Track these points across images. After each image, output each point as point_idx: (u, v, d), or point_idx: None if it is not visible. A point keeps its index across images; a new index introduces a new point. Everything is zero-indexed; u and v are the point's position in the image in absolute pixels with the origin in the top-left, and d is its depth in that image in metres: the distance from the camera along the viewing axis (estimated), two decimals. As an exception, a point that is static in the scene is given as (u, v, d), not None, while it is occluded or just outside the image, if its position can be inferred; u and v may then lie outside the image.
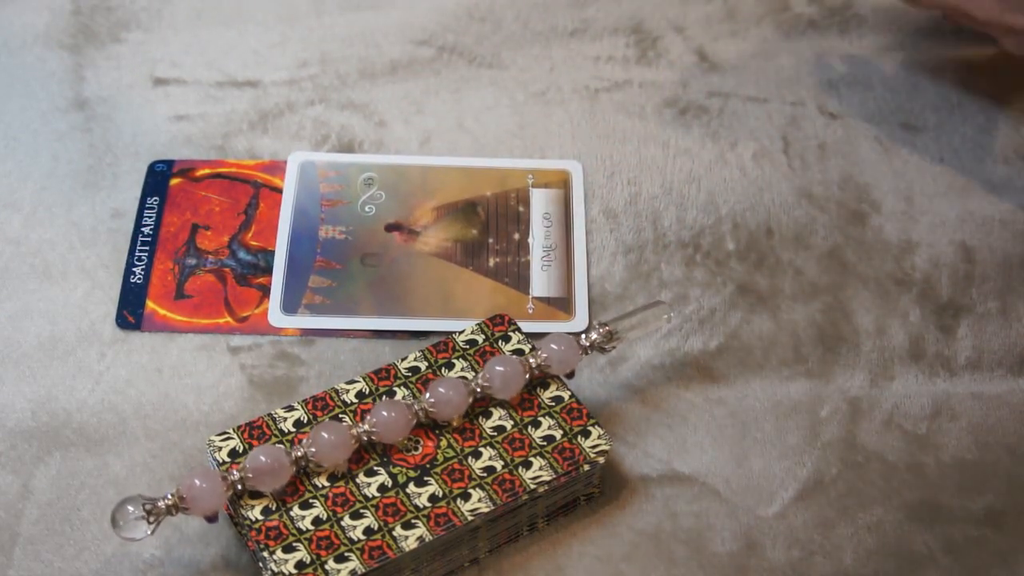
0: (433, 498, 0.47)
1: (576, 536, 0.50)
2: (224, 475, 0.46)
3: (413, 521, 0.46)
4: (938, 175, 0.62)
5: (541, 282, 0.57)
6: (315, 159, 0.61)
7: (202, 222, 0.59)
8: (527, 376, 0.50)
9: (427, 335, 0.55)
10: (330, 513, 0.46)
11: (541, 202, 0.60)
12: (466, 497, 0.47)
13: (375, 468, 0.48)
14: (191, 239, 0.58)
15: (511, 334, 0.52)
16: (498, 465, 0.48)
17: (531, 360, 0.50)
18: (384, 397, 0.50)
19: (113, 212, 0.59)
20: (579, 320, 0.56)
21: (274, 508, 0.46)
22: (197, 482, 0.45)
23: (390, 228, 0.59)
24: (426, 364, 0.51)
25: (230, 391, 0.53)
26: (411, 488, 0.47)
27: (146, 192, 0.60)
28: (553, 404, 0.50)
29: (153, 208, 0.59)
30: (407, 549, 0.45)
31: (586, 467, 0.48)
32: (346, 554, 0.45)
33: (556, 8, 0.69)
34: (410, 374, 0.50)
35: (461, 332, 0.52)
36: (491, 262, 0.58)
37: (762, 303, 0.57)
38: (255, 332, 0.55)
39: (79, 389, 0.53)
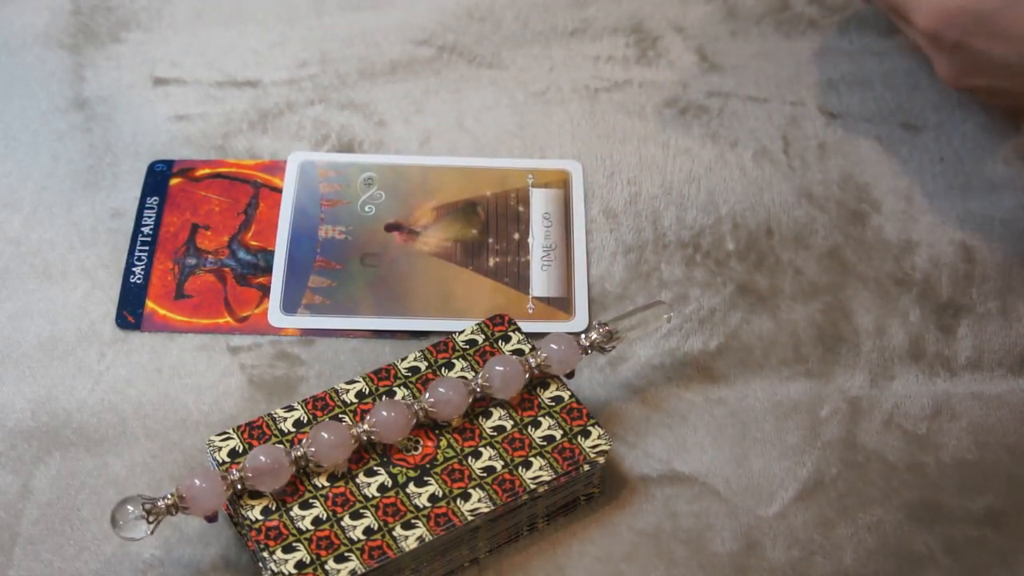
0: (433, 498, 0.47)
1: (576, 536, 0.50)
2: (224, 475, 0.46)
3: (413, 521, 0.46)
4: (938, 175, 0.62)
5: (541, 282, 0.57)
6: (315, 159, 0.61)
7: (202, 222, 0.59)
8: (527, 376, 0.50)
9: (427, 335, 0.55)
10: (330, 513, 0.46)
11: (541, 202, 0.60)
12: (466, 497, 0.47)
13: (375, 468, 0.48)
14: (191, 239, 0.58)
15: (511, 334, 0.52)
16: (498, 465, 0.48)
17: (531, 360, 0.50)
18: (384, 397, 0.50)
19: (113, 212, 0.59)
20: (579, 320, 0.56)
21: (274, 508, 0.46)
22: (197, 482, 0.45)
23: (390, 228, 0.59)
24: (426, 364, 0.51)
25: (230, 391, 0.53)
26: (411, 488, 0.47)
27: (146, 192, 0.60)
28: (553, 404, 0.50)
29: (153, 208, 0.59)
30: (407, 549, 0.45)
31: (586, 467, 0.48)
32: (346, 554, 0.45)
33: (556, 8, 0.69)
34: (410, 374, 0.50)
35: (461, 332, 0.52)
36: (491, 262, 0.58)
37: (762, 303, 0.57)
38: (255, 332, 0.55)
39: (79, 389, 0.53)
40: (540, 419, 0.49)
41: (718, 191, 0.61)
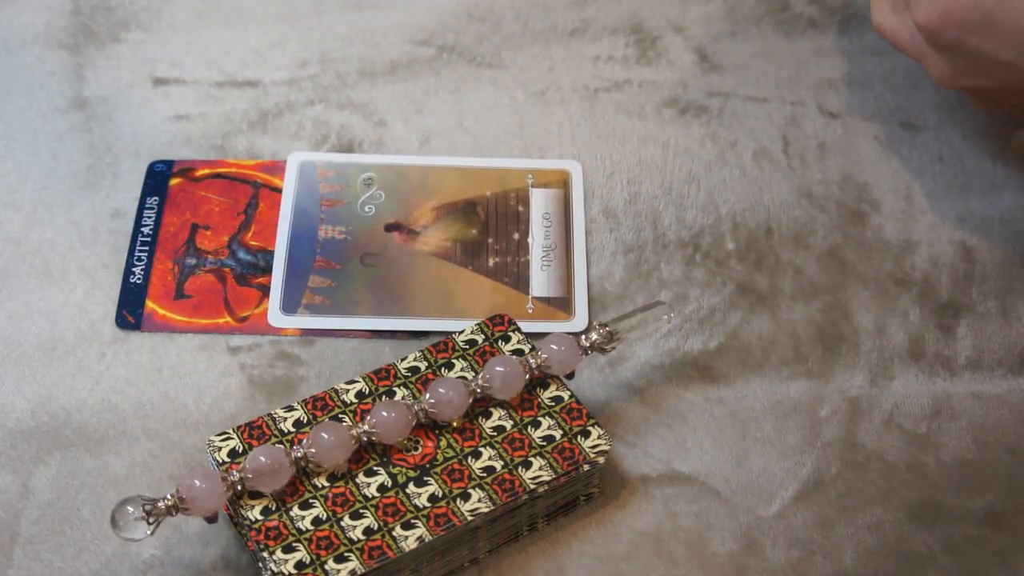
0: (433, 498, 0.47)
1: (576, 536, 0.50)
2: (224, 475, 0.46)
3: (413, 521, 0.46)
4: (938, 175, 0.62)
5: (541, 282, 0.57)
6: (315, 159, 0.61)
7: (202, 222, 0.59)
8: (527, 376, 0.50)
9: (427, 335, 0.55)
10: (330, 513, 0.46)
11: (541, 202, 0.60)
12: (466, 497, 0.47)
13: (375, 468, 0.48)
14: (191, 239, 0.58)
15: (511, 334, 0.52)
16: (498, 465, 0.48)
17: (531, 360, 0.50)
18: (384, 397, 0.50)
19: (113, 212, 0.59)
20: (579, 320, 0.56)
21: (274, 508, 0.46)
22: (197, 482, 0.45)
23: (390, 228, 0.59)
24: (426, 364, 0.51)
25: (230, 391, 0.53)
26: (411, 488, 0.47)
27: (146, 192, 0.60)
28: (553, 404, 0.50)
29: (153, 208, 0.59)
30: (407, 549, 0.45)
31: (586, 467, 0.48)
32: (346, 554, 0.45)
33: (556, 8, 0.69)
34: (410, 374, 0.50)
35: (461, 332, 0.52)
36: (491, 262, 0.58)
37: (762, 303, 0.57)
38: (255, 332, 0.55)
39: (79, 389, 0.53)
40: (540, 419, 0.49)
41: (718, 191, 0.61)
